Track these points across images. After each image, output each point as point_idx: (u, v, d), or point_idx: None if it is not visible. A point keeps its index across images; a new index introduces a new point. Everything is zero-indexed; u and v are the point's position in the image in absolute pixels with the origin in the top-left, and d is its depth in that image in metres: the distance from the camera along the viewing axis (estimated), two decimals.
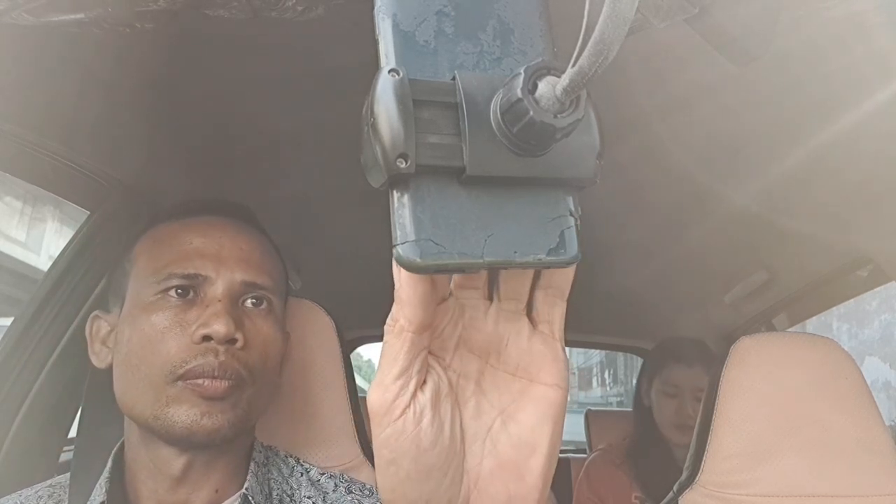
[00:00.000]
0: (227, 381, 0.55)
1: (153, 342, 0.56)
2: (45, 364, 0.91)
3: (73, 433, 0.66)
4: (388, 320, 0.28)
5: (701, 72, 0.61)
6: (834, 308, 1.42)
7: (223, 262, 0.59)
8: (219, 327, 0.55)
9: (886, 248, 0.95)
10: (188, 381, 0.55)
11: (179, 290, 0.58)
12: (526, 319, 0.31)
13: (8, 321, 0.89)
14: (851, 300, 1.36)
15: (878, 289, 1.27)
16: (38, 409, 0.88)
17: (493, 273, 0.31)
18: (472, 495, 0.30)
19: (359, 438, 0.96)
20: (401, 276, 0.27)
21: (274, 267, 0.64)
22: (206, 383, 0.55)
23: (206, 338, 0.56)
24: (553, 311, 0.31)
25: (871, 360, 4.25)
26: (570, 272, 0.30)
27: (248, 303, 0.60)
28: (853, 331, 4.46)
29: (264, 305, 0.61)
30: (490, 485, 0.30)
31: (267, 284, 0.61)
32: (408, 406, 0.28)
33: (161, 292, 0.57)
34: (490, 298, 0.31)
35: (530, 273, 0.30)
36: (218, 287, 0.58)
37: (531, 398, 0.30)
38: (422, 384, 0.29)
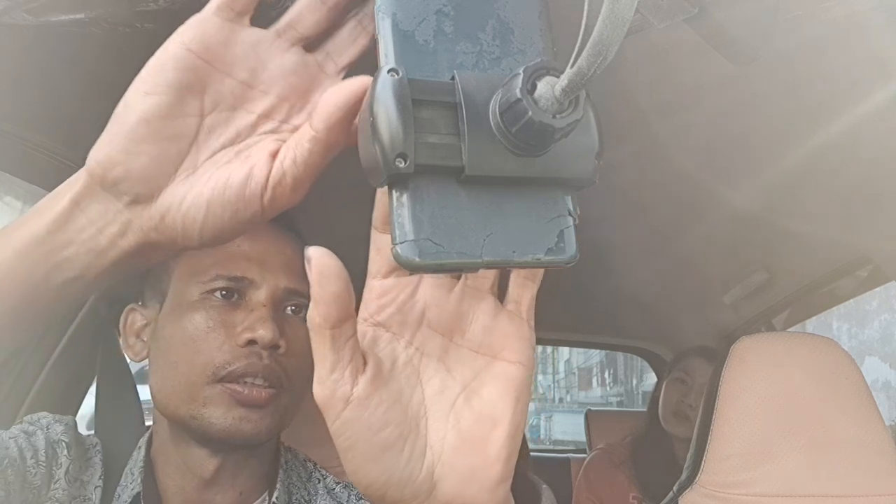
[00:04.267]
0: (270, 388, 0.56)
1: (196, 341, 0.56)
2: (46, 363, 0.91)
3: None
4: (307, 318, 0.29)
5: (701, 72, 0.62)
6: (834, 308, 1.42)
7: (268, 267, 0.60)
8: (264, 332, 0.56)
9: (886, 248, 0.95)
10: (227, 385, 0.55)
11: (224, 292, 0.58)
12: (492, 297, 0.32)
13: None
14: (851, 300, 1.35)
15: (877, 289, 1.27)
16: (38, 410, 0.88)
17: None
18: (436, 468, 0.30)
19: None
20: (312, 276, 0.27)
21: None
22: (245, 390, 0.55)
23: (251, 342, 0.56)
24: (523, 292, 0.32)
25: (871, 360, 4.25)
26: None
27: (289, 310, 0.61)
28: (853, 331, 4.46)
29: (303, 313, 0.62)
30: (453, 458, 0.30)
31: (307, 293, 0.62)
32: (349, 395, 0.29)
33: (206, 293, 0.58)
34: (457, 277, 0.32)
35: None
36: (262, 292, 0.59)
37: (494, 374, 0.31)
38: (360, 370, 0.29)
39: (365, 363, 0.30)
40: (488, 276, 0.32)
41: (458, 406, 0.31)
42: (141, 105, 0.30)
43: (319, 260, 0.27)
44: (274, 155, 0.31)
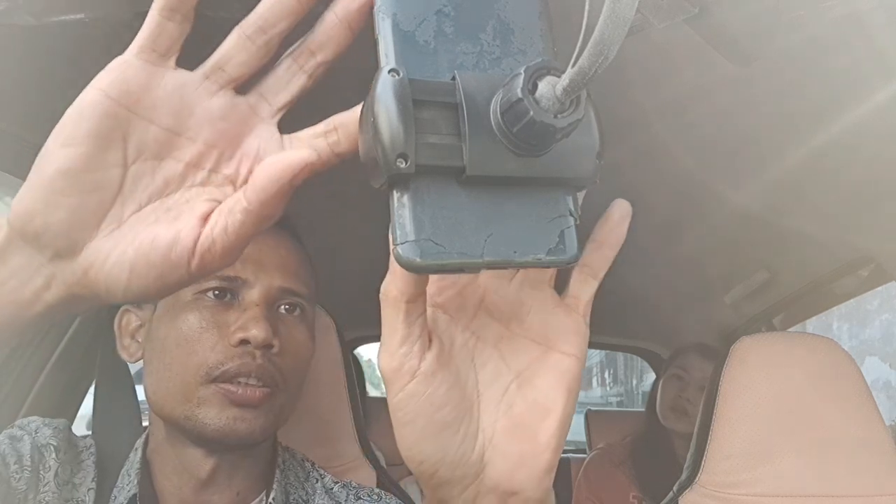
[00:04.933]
0: (264, 387, 0.56)
1: (189, 342, 0.56)
2: (45, 364, 0.91)
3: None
4: (382, 291, 0.29)
5: (701, 72, 0.61)
6: (834, 308, 1.42)
7: (262, 267, 0.60)
8: (257, 332, 0.56)
9: (887, 248, 0.95)
10: (221, 385, 0.55)
11: (217, 292, 0.58)
12: (550, 289, 0.32)
13: None
14: (851, 300, 1.35)
15: (878, 288, 1.27)
16: (38, 410, 0.89)
17: None
18: (486, 451, 0.31)
19: (358, 438, 0.96)
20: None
21: (308, 275, 0.65)
22: (239, 390, 0.55)
23: (244, 342, 0.56)
24: (583, 289, 0.32)
25: (871, 360, 4.24)
26: (610, 255, 0.32)
27: (283, 309, 0.61)
28: (853, 331, 4.46)
29: (297, 312, 0.62)
30: (504, 443, 0.31)
31: (302, 292, 0.62)
32: (416, 369, 0.29)
33: (199, 293, 0.58)
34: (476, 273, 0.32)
35: None
36: (256, 291, 0.59)
37: (548, 365, 0.32)
38: (427, 346, 0.30)
39: (430, 341, 0.30)
40: (547, 269, 0.32)
41: (511, 393, 0.32)
42: (58, 157, 0.28)
43: None
44: (204, 219, 0.29)
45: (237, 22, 0.30)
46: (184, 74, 0.30)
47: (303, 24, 0.30)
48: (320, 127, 0.31)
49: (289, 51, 0.31)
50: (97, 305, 0.32)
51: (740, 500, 0.85)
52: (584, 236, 0.29)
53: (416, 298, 0.29)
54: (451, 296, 0.32)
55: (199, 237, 0.29)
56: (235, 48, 0.30)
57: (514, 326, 0.32)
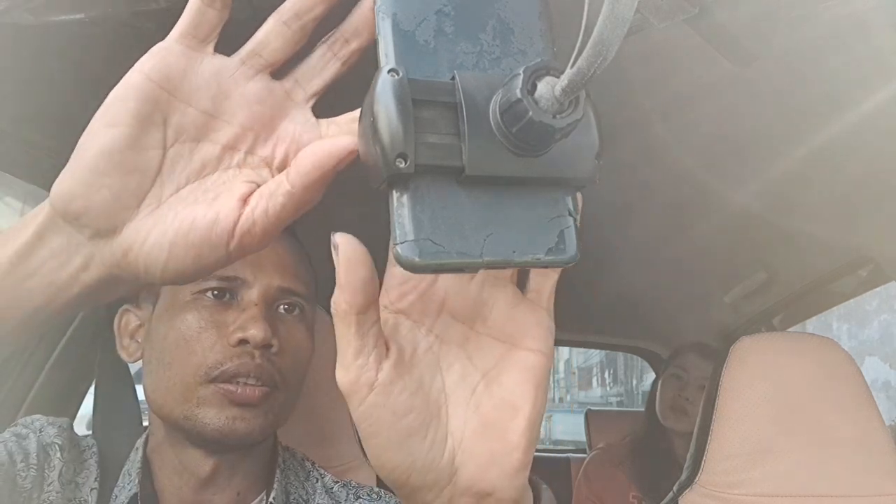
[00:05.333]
0: (263, 386, 0.56)
1: (189, 342, 0.56)
2: (45, 363, 0.91)
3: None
4: (332, 304, 0.29)
5: (701, 72, 0.61)
6: (834, 308, 1.42)
7: (261, 266, 0.59)
8: (256, 332, 0.56)
9: (886, 248, 0.95)
10: (220, 385, 0.55)
11: (216, 292, 0.58)
12: (512, 286, 0.32)
13: None
14: (851, 300, 1.35)
15: (878, 289, 1.27)
16: (38, 410, 0.88)
17: None
18: (457, 454, 0.31)
19: (358, 439, 0.96)
20: (339, 262, 0.27)
21: (307, 274, 0.65)
22: (238, 390, 0.55)
23: (243, 341, 0.56)
24: (544, 282, 0.32)
25: (871, 360, 4.25)
26: None
27: (282, 308, 0.61)
28: (853, 331, 4.46)
29: (297, 312, 0.62)
30: (474, 445, 0.31)
31: (301, 291, 0.62)
32: (374, 380, 0.29)
33: (198, 293, 0.58)
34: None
35: None
36: (254, 291, 0.59)
37: (514, 362, 0.31)
38: (384, 355, 0.29)
39: (387, 349, 0.30)
40: None
41: (479, 393, 0.31)
42: (102, 137, 0.29)
43: (346, 246, 0.27)
44: (244, 200, 0.30)
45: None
46: (222, 59, 0.31)
47: (339, 14, 0.31)
48: (358, 112, 0.31)
49: (324, 38, 0.31)
50: (132, 289, 0.32)
51: (740, 500, 0.85)
52: (583, 236, 0.29)
53: (367, 309, 0.28)
54: (412, 301, 0.32)
55: (238, 218, 0.29)
56: (272, 34, 0.31)
57: (477, 326, 0.32)
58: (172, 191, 0.30)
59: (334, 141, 0.29)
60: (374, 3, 0.27)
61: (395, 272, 0.31)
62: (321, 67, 0.32)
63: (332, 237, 0.27)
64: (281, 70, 0.32)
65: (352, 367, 0.29)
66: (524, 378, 0.31)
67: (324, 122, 0.32)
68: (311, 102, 0.32)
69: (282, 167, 0.31)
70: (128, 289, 0.33)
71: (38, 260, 0.31)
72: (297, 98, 0.32)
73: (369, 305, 0.28)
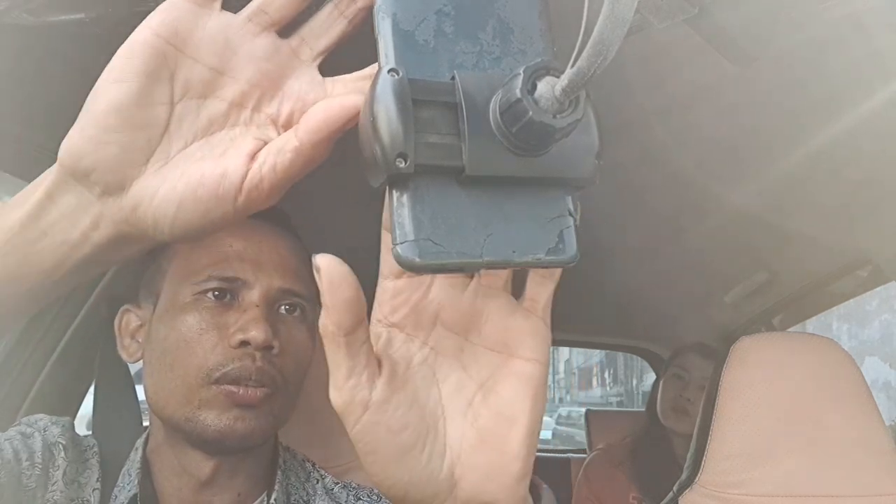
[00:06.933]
0: (264, 388, 0.56)
1: (189, 343, 0.56)
2: (45, 363, 0.91)
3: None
4: (319, 326, 0.28)
5: (701, 72, 0.61)
6: (834, 308, 1.42)
7: (262, 267, 0.59)
8: (257, 333, 0.55)
9: (886, 248, 0.95)
10: (222, 386, 0.55)
11: (217, 293, 0.57)
12: (506, 295, 0.32)
13: None
14: (851, 300, 1.35)
15: (878, 289, 1.27)
16: (38, 410, 0.88)
17: None
18: (456, 467, 0.30)
19: None
20: (322, 284, 0.27)
21: (308, 275, 0.64)
22: (240, 391, 0.55)
23: (244, 343, 0.56)
24: (540, 290, 0.32)
25: (871, 360, 4.25)
26: None
27: (283, 309, 0.61)
28: (853, 331, 4.46)
29: (298, 313, 0.62)
30: (473, 456, 0.30)
31: (302, 292, 0.62)
32: (368, 399, 0.29)
33: (198, 293, 0.57)
34: (470, 276, 0.32)
35: None
36: (255, 292, 0.58)
37: (510, 372, 0.31)
38: (377, 373, 0.29)
39: (380, 366, 0.29)
40: (501, 275, 0.32)
41: (476, 404, 0.31)
42: (110, 93, 0.29)
43: (329, 268, 0.27)
44: (252, 156, 0.30)
45: None
46: (228, 16, 0.31)
47: None
48: (366, 71, 0.32)
49: None
50: (142, 248, 0.33)
51: (740, 500, 0.85)
52: (583, 236, 0.29)
53: (355, 330, 0.28)
54: (405, 314, 0.31)
55: (246, 174, 0.30)
56: None
57: (472, 337, 0.32)
58: (180, 147, 0.31)
59: (344, 99, 0.29)
60: (375, 2, 0.27)
61: (386, 286, 0.31)
62: (328, 26, 0.32)
63: (313, 259, 0.27)
64: (288, 28, 0.32)
65: (344, 388, 0.28)
66: (521, 387, 0.31)
67: (329, 80, 0.32)
68: (318, 61, 0.32)
69: (287, 125, 0.32)
70: (139, 248, 0.33)
71: (49, 220, 0.31)
72: (303, 56, 0.32)
73: (357, 325, 0.28)
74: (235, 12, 0.31)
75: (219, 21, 0.31)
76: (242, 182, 0.30)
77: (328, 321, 0.27)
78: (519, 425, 0.30)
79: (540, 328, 0.32)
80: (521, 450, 0.30)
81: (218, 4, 0.31)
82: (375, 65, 0.29)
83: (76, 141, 0.30)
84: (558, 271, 0.31)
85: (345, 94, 0.31)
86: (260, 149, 0.30)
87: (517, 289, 0.32)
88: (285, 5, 0.31)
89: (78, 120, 0.30)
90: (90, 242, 0.31)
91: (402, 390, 0.30)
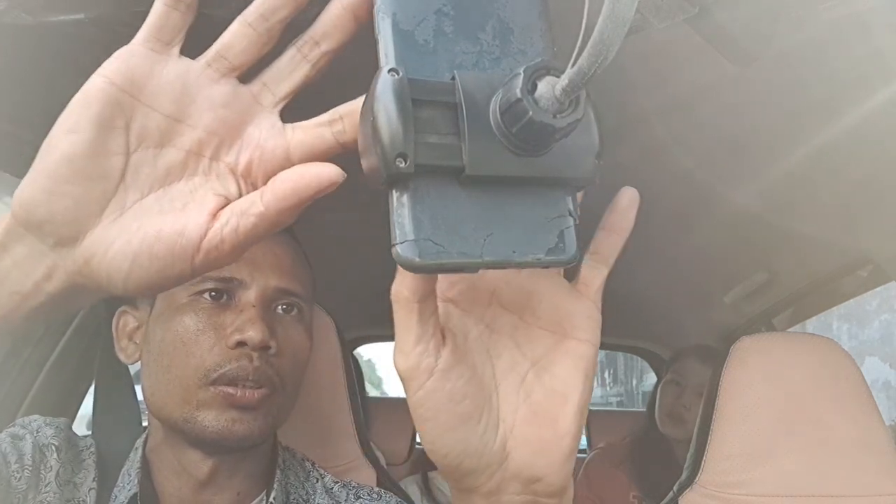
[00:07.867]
0: (262, 388, 0.56)
1: (186, 344, 0.56)
2: (44, 364, 0.91)
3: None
4: (393, 292, 0.29)
5: (701, 72, 0.61)
6: (834, 308, 1.42)
7: (258, 267, 0.59)
8: (254, 334, 0.55)
9: (886, 248, 0.95)
10: (220, 387, 0.55)
11: (213, 294, 0.58)
12: (560, 278, 0.33)
13: None
14: (851, 300, 1.35)
15: (878, 289, 1.27)
16: (38, 410, 0.88)
17: None
18: (508, 440, 0.32)
19: (359, 439, 0.96)
20: None
21: (305, 274, 0.65)
22: (238, 393, 0.55)
23: (241, 343, 0.56)
24: (594, 275, 0.33)
25: (871, 360, 4.24)
26: (619, 241, 0.33)
27: (279, 309, 0.61)
28: (853, 331, 4.46)
29: (295, 312, 0.62)
30: (525, 431, 0.32)
31: (298, 292, 0.62)
32: (434, 366, 0.30)
33: (194, 294, 0.57)
34: None
35: None
36: (252, 292, 0.58)
37: (564, 352, 0.32)
38: (442, 342, 0.30)
39: (444, 337, 0.31)
40: None
41: (529, 381, 0.32)
42: (63, 144, 0.28)
43: None
44: (214, 214, 0.29)
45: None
46: (187, 63, 0.30)
47: (309, 17, 0.30)
48: (325, 116, 0.31)
49: (293, 41, 0.31)
50: (97, 298, 0.32)
51: (740, 500, 0.85)
52: (583, 236, 0.29)
53: (427, 297, 0.29)
54: (462, 289, 0.32)
55: (206, 233, 0.29)
56: (237, 36, 0.30)
57: (527, 316, 0.33)
58: (137, 198, 0.29)
59: (318, 170, 0.28)
60: (375, 3, 0.27)
61: None
62: (290, 70, 0.31)
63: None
64: (250, 73, 0.31)
65: (412, 354, 0.30)
66: (574, 367, 0.32)
67: (289, 127, 0.31)
68: (280, 106, 0.31)
69: (246, 174, 0.31)
70: (93, 299, 0.32)
71: (2, 270, 0.30)
72: (264, 102, 0.31)
73: (430, 292, 0.29)
74: (195, 57, 0.30)
75: (177, 67, 0.30)
76: (201, 241, 0.29)
77: (403, 287, 0.29)
78: (571, 403, 0.32)
79: (592, 311, 0.33)
80: (571, 426, 0.32)
81: (176, 50, 0.30)
82: (335, 109, 0.29)
83: (29, 192, 0.29)
84: (612, 259, 0.33)
85: (305, 141, 0.30)
86: (222, 206, 0.29)
87: (569, 274, 0.33)
88: (245, 51, 0.30)
89: (31, 170, 0.29)
90: (43, 292, 0.30)
91: (463, 361, 0.31)
